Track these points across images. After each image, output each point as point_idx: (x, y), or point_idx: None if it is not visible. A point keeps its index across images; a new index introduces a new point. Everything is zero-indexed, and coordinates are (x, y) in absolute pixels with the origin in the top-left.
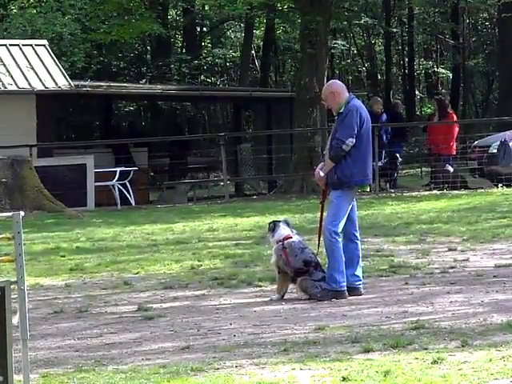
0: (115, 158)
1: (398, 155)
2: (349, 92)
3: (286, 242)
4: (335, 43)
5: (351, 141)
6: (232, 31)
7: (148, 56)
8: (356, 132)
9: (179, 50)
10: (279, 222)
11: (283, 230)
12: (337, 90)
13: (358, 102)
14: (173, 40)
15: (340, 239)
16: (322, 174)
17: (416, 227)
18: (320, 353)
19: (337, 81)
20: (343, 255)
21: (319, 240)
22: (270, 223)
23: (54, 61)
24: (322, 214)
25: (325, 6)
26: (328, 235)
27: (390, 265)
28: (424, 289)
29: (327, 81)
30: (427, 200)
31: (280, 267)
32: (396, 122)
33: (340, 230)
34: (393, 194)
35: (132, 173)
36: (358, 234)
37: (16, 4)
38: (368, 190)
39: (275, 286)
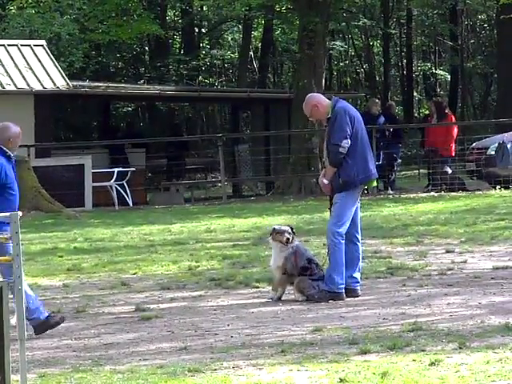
0: (112, 159)
1: (395, 156)
2: (331, 97)
3: (295, 245)
4: (333, 44)
5: (346, 142)
6: (230, 32)
7: (146, 57)
8: (349, 133)
9: (177, 51)
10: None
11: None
12: (318, 101)
13: (343, 103)
14: (171, 41)
15: (343, 241)
16: (325, 181)
17: (414, 229)
18: (317, 354)
19: (311, 94)
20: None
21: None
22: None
23: (53, 61)
24: None
25: (323, 7)
26: (331, 236)
27: (387, 266)
28: (421, 290)
29: (325, 82)
30: (425, 202)
31: (287, 270)
32: (392, 123)
33: (344, 231)
34: (390, 196)
35: (129, 173)
36: (359, 237)
37: (14, 4)
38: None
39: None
